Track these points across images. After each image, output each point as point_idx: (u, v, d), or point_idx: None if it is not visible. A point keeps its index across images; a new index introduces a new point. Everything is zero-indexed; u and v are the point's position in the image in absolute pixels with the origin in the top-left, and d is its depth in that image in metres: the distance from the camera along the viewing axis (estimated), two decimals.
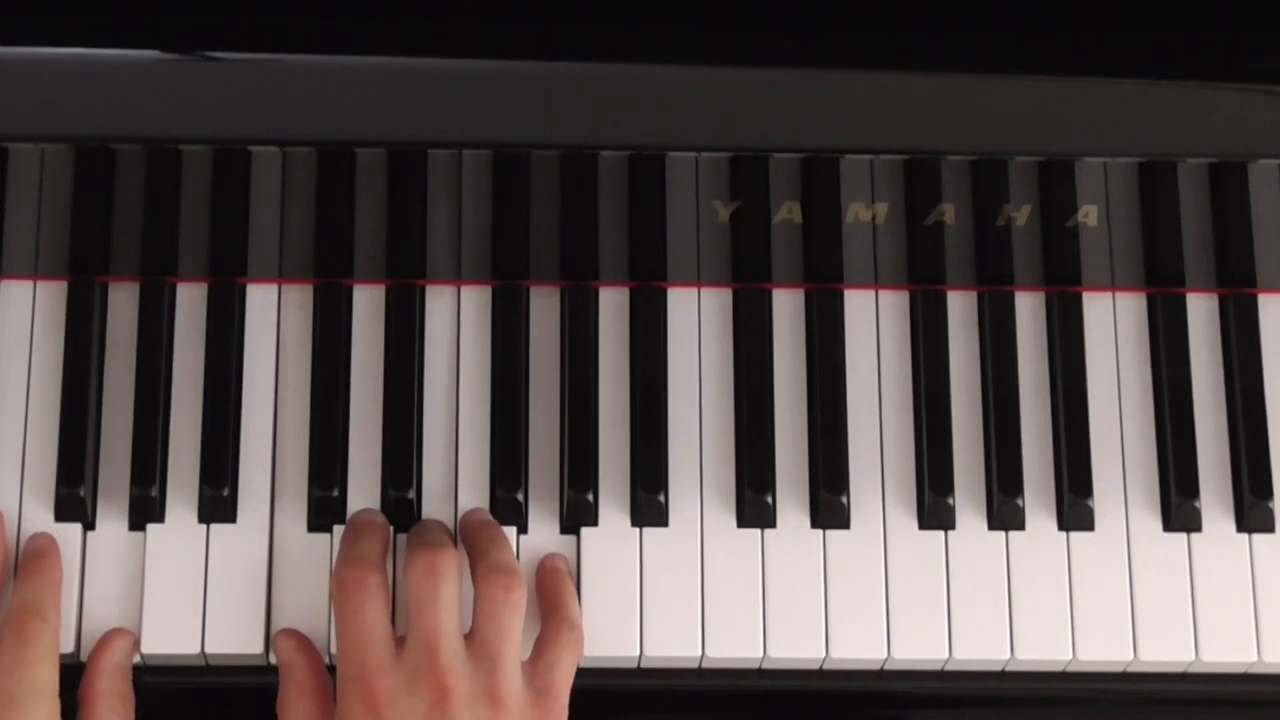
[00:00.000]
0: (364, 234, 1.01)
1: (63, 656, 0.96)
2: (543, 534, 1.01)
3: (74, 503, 1.00)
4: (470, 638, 0.94)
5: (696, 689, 1.02)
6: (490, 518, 1.00)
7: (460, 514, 1.01)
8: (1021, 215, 1.01)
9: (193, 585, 0.99)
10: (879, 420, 1.03)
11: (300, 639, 0.97)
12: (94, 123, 0.91)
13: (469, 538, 0.98)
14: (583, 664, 0.99)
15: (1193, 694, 1.02)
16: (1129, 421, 1.04)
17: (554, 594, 0.98)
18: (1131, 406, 1.04)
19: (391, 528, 0.99)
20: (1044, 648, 1.00)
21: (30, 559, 0.98)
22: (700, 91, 0.91)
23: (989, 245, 1.02)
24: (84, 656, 0.98)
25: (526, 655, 0.96)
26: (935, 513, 1.01)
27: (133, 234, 1.01)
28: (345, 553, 0.96)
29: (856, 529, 1.02)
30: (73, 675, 0.97)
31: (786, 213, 1.01)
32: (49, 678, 0.94)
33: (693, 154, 0.98)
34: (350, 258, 1.02)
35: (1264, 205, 1.00)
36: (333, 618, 0.97)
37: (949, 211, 1.01)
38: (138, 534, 1.00)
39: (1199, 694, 1.02)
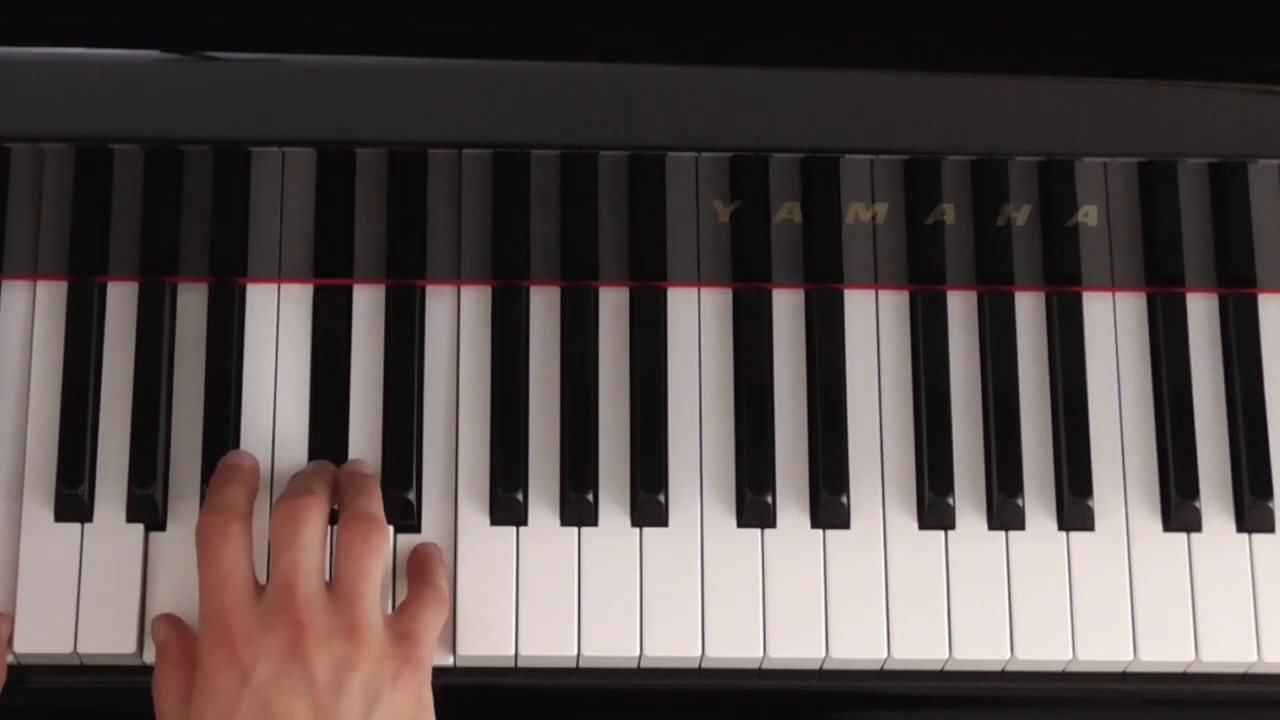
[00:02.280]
0: (364, 234, 1.01)
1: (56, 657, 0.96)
2: (542, 533, 1.01)
3: (74, 502, 1.00)
4: (332, 578, 0.95)
5: (697, 689, 1.02)
6: (367, 469, 1.00)
7: (460, 514, 1.01)
8: (1021, 215, 1.01)
9: (195, 583, 0.99)
10: (879, 420, 1.03)
11: (174, 620, 0.98)
12: (94, 123, 0.91)
13: (342, 487, 0.99)
14: (583, 664, 1.00)
15: (1193, 694, 1.02)
16: (1129, 421, 1.04)
17: (423, 567, 0.99)
18: (1131, 406, 1.04)
19: (260, 467, 1.00)
20: (1044, 648, 1.00)
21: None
22: (700, 91, 0.91)
23: (989, 245, 1.02)
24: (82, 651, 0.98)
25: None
26: (935, 513, 1.01)
27: (132, 234, 1.01)
28: (211, 500, 0.97)
29: (856, 529, 1.02)
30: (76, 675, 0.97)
31: (786, 213, 1.01)
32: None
33: (693, 154, 0.98)
34: (350, 258, 1.02)
35: (1264, 205, 1.00)
36: None
37: (949, 211, 1.01)
38: (137, 533, 1.00)
39: (1199, 694, 1.02)
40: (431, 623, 0.97)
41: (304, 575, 0.94)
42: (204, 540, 0.95)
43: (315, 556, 0.94)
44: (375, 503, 0.98)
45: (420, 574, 0.99)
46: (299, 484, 0.97)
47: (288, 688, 0.91)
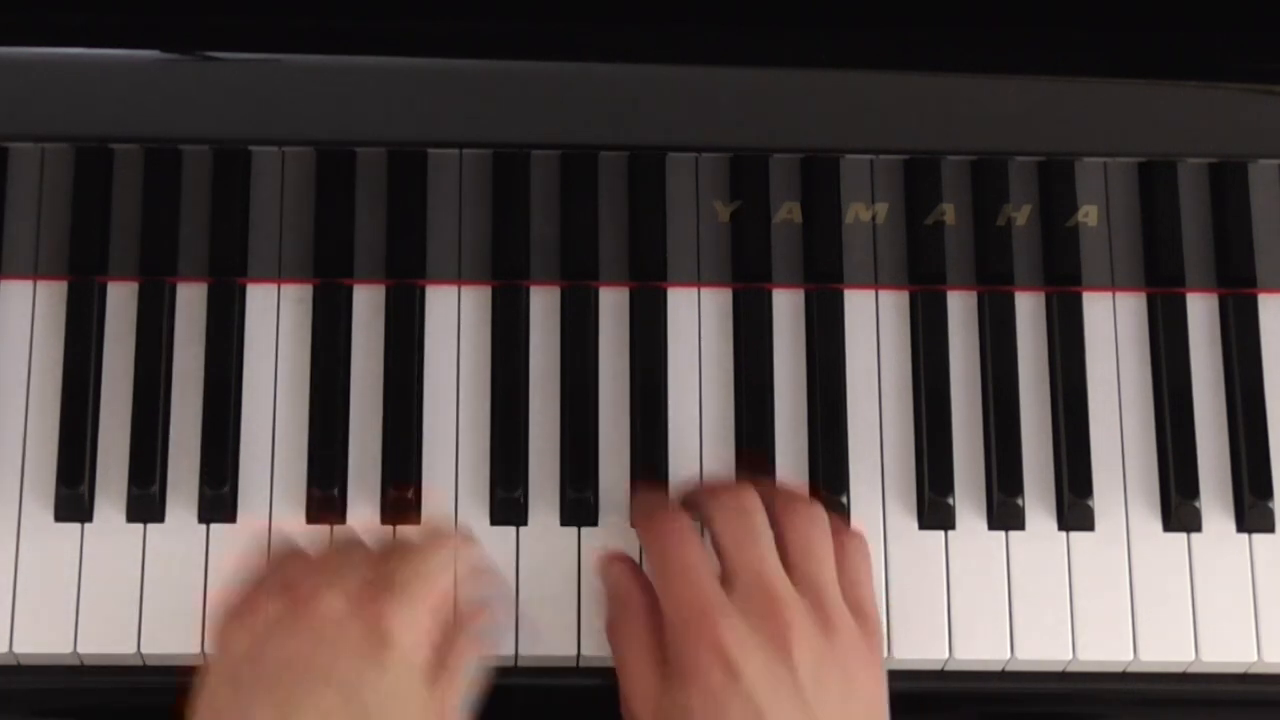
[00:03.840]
0: (364, 234, 1.01)
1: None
2: (543, 533, 1.01)
3: (74, 502, 1.00)
4: (790, 571, 0.95)
5: None
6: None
7: (460, 513, 1.01)
8: (1021, 215, 1.01)
9: (195, 583, 0.99)
10: (879, 420, 1.03)
11: (633, 566, 0.98)
12: (94, 123, 0.91)
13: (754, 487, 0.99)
14: (582, 663, 0.99)
15: (1193, 694, 1.02)
16: (1129, 421, 1.04)
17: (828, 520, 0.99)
18: (1131, 406, 1.04)
19: None
20: (1044, 648, 1.00)
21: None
22: (700, 91, 0.91)
23: (989, 245, 1.02)
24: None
25: None
26: (935, 512, 1.01)
27: (132, 234, 1.01)
28: (646, 499, 0.98)
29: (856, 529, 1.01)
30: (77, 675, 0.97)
31: (786, 213, 1.01)
32: None
33: (693, 154, 0.98)
34: (350, 258, 1.02)
35: (1264, 205, 1.00)
36: None
37: (949, 211, 1.01)
38: (137, 533, 1.00)
39: (1199, 694, 1.02)
40: (870, 576, 0.97)
41: (771, 570, 0.94)
42: (661, 540, 0.95)
43: (774, 551, 0.95)
44: (802, 488, 0.99)
45: (835, 523, 0.98)
46: (724, 480, 0.97)
47: (774, 684, 0.91)
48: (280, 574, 0.93)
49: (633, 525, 0.99)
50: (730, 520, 0.95)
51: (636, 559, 1.00)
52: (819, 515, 0.97)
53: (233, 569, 0.95)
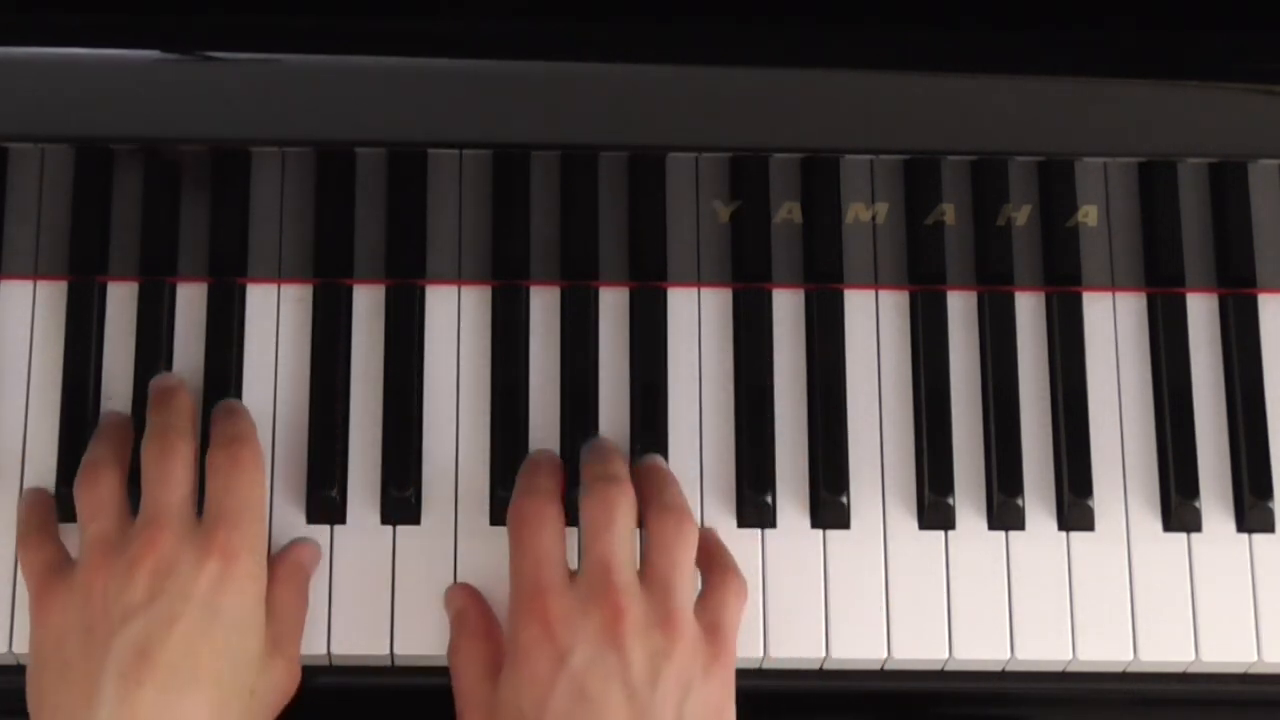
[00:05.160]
0: (364, 234, 1.01)
1: None
2: None
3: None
4: (643, 569, 0.95)
5: None
6: (664, 464, 1.01)
7: (460, 513, 1.01)
8: (1021, 215, 1.01)
9: None
10: (879, 420, 1.03)
11: (472, 591, 0.99)
12: (94, 123, 0.91)
13: (640, 480, 0.99)
14: None
15: (1193, 694, 1.02)
16: (1129, 421, 1.04)
17: (718, 553, 0.99)
18: (1131, 406, 1.04)
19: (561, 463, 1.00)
20: (1044, 648, 1.00)
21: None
22: (700, 91, 0.91)
23: (989, 245, 1.02)
24: None
25: None
26: (935, 513, 1.01)
27: (132, 234, 1.01)
28: (524, 485, 0.97)
29: (856, 529, 1.02)
30: None
31: (786, 213, 1.01)
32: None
33: (693, 154, 0.98)
34: (350, 258, 1.02)
35: (1264, 205, 1.00)
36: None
37: (949, 211, 1.01)
38: None
39: (1199, 694, 1.02)
40: (737, 612, 0.97)
41: (620, 563, 0.94)
42: (520, 522, 0.95)
43: (629, 544, 0.95)
44: (681, 496, 0.98)
45: (718, 561, 0.99)
46: (606, 468, 0.97)
47: (604, 673, 0.91)
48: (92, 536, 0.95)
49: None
50: (591, 507, 0.95)
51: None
52: (685, 524, 0.96)
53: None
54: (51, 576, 0.95)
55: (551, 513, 0.96)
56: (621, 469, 0.98)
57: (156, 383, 1.00)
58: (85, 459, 0.98)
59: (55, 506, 0.99)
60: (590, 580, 0.93)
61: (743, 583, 0.98)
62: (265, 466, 0.99)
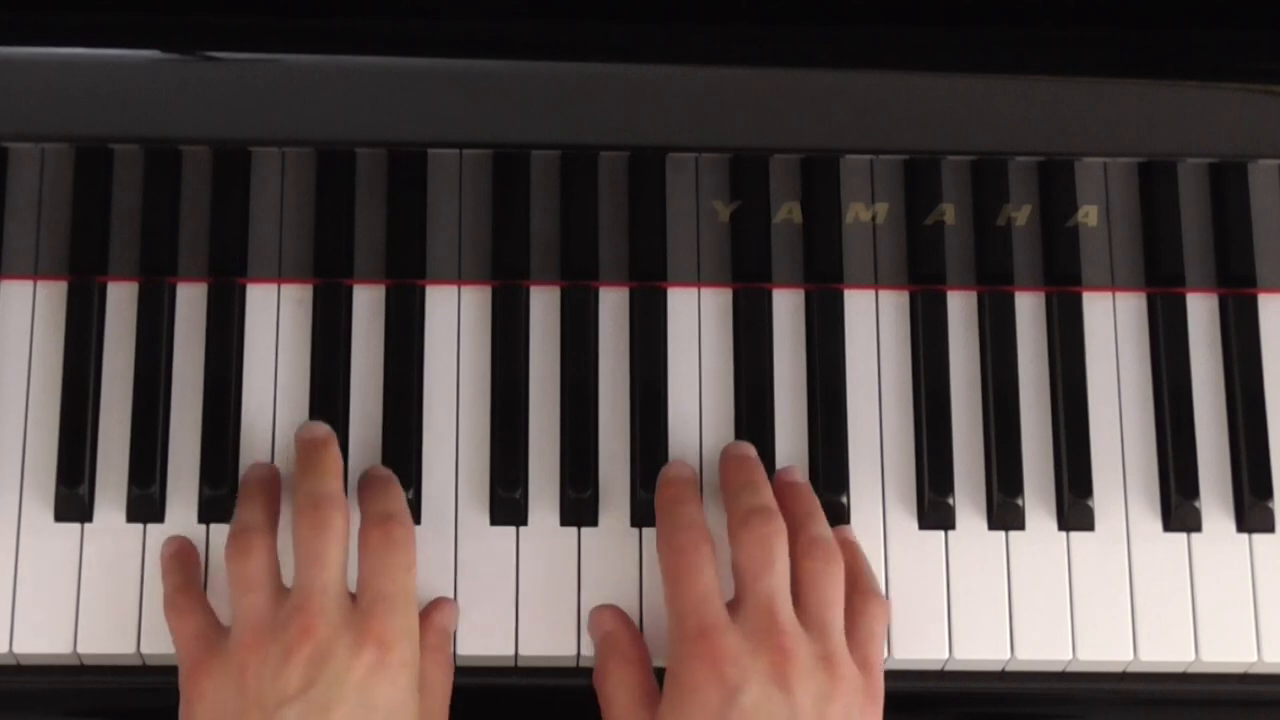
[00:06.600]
0: (364, 234, 1.01)
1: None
2: (543, 533, 1.01)
3: (74, 502, 1.00)
4: (797, 606, 0.95)
5: None
6: (803, 479, 1.00)
7: (460, 513, 1.01)
8: (1021, 215, 1.01)
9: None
10: (879, 420, 1.03)
11: (621, 614, 0.99)
12: (94, 123, 0.91)
13: (783, 499, 0.98)
14: (582, 663, 0.99)
15: (1193, 694, 1.02)
16: (1129, 421, 1.04)
17: (854, 573, 0.99)
18: (1131, 406, 1.04)
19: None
20: (1044, 648, 1.00)
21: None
22: (700, 91, 0.91)
23: (989, 245, 1.02)
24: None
25: None
26: (935, 512, 1.01)
27: (132, 234, 1.01)
28: (672, 519, 0.97)
29: (856, 528, 1.01)
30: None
31: (786, 213, 1.01)
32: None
33: (693, 154, 0.98)
34: (350, 258, 1.02)
35: (1264, 205, 1.00)
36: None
37: (949, 211, 1.01)
38: (137, 533, 1.00)
39: (1199, 694, 1.02)
40: (883, 638, 0.98)
41: (783, 602, 0.94)
42: (678, 557, 0.95)
43: (787, 584, 0.95)
44: (825, 523, 0.98)
45: (859, 585, 0.98)
46: (752, 501, 0.96)
47: (770, 713, 0.91)
48: (246, 616, 0.94)
49: (657, 548, 0.98)
50: (752, 545, 0.95)
51: (636, 562, 1.00)
52: (835, 559, 0.96)
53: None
54: (204, 649, 0.94)
55: (706, 550, 0.95)
56: (771, 498, 0.98)
57: (304, 435, 0.99)
58: (235, 524, 0.97)
59: (199, 559, 0.99)
60: (755, 621, 0.93)
61: (886, 607, 0.99)
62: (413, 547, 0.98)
